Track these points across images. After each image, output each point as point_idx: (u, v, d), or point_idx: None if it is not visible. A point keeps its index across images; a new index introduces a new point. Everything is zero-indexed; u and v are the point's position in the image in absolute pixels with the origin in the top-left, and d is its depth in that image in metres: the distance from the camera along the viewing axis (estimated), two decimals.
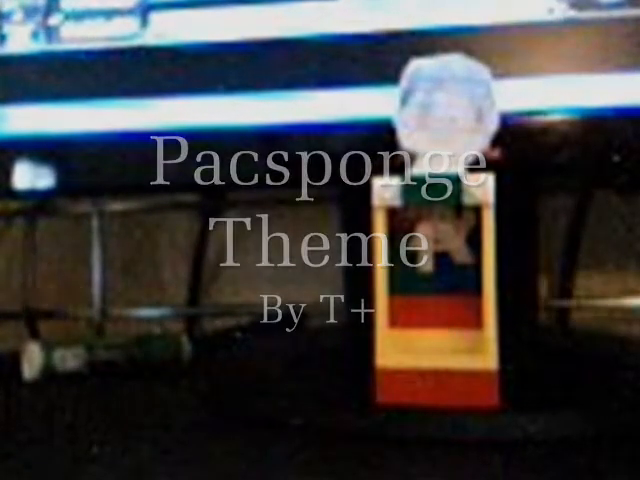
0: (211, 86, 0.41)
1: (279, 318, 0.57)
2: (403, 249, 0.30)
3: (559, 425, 0.29)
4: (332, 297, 0.59)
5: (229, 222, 0.62)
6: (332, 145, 0.40)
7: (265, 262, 0.61)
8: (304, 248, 0.60)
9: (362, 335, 0.32)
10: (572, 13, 0.37)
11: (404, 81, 0.30)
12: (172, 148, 0.42)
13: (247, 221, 0.61)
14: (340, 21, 0.39)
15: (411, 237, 0.30)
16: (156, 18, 0.41)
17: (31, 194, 0.46)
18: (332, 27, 0.39)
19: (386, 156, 0.32)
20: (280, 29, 0.40)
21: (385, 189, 0.29)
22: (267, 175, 0.42)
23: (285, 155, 0.41)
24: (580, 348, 0.41)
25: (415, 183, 0.29)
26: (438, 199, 0.29)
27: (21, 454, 0.29)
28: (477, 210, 0.29)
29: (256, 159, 0.41)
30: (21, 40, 0.43)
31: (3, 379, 0.42)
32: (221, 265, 0.62)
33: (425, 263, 0.30)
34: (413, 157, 0.30)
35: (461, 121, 0.30)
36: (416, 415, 0.29)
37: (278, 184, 0.46)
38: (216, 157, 0.41)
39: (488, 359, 0.29)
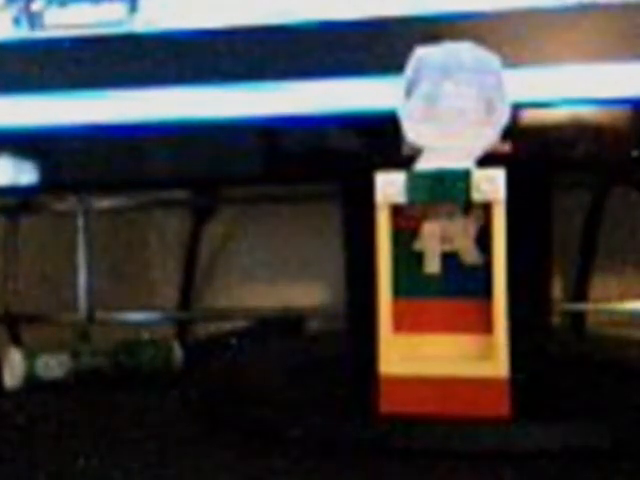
0: (203, 76, 0.41)
1: (276, 323, 0.57)
2: (408, 249, 0.30)
3: (574, 436, 0.29)
4: (333, 300, 0.59)
5: (223, 220, 0.62)
6: (333, 139, 0.40)
7: (261, 263, 0.61)
8: (303, 248, 0.60)
9: (364, 340, 0.32)
10: None
11: (409, 70, 0.30)
12: (162, 142, 0.42)
13: (242, 219, 0.61)
14: (341, 7, 0.39)
15: (416, 236, 0.30)
16: (145, 3, 0.41)
17: (13, 191, 0.46)
18: (333, 13, 0.39)
19: (390, 150, 0.32)
20: (277, 15, 0.40)
21: (389, 185, 0.29)
22: (263, 170, 0.42)
23: (282, 149, 0.41)
24: (596, 354, 0.41)
25: (421, 179, 0.29)
26: (445, 196, 0.29)
27: (2, 468, 0.29)
28: (487, 207, 0.29)
29: (252, 153, 0.41)
30: (2, 27, 0.43)
31: None
32: (214, 266, 0.62)
33: (431, 264, 0.30)
34: (419, 151, 0.30)
35: (470, 113, 0.30)
36: (422, 425, 0.29)
37: (275, 180, 0.46)
38: (209, 151, 0.42)
39: (498, 366, 0.29)
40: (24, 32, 0.42)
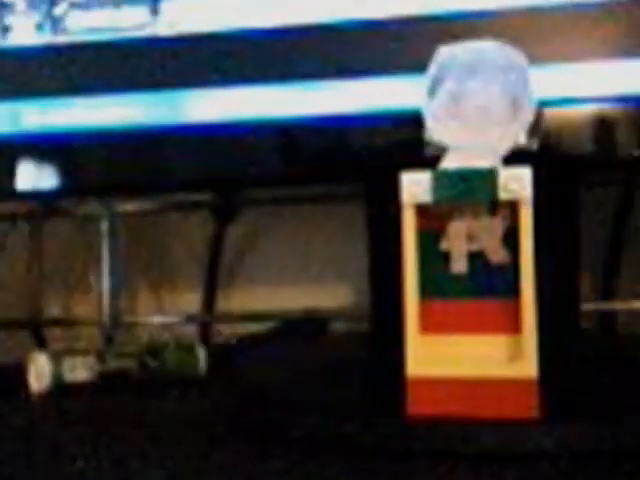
0: (227, 78, 0.41)
1: (301, 325, 0.57)
2: (434, 249, 0.30)
3: (605, 437, 0.29)
4: (357, 301, 0.59)
5: (246, 222, 0.62)
6: (357, 139, 0.40)
7: (285, 265, 0.61)
8: (326, 249, 0.60)
9: (391, 342, 0.31)
10: None
11: (433, 69, 0.30)
12: (186, 144, 0.42)
13: (265, 221, 0.62)
14: (366, 5, 0.39)
15: (443, 236, 0.30)
16: (167, 6, 0.42)
17: (36, 195, 0.47)
18: (357, 12, 0.39)
19: (415, 149, 0.32)
20: (300, 15, 0.40)
21: (414, 184, 0.29)
22: (286, 171, 0.42)
23: (307, 150, 0.41)
24: (626, 354, 0.41)
25: (447, 178, 0.29)
26: (471, 195, 0.29)
27: (30, 471, 0.29)
28: (514, 206, 0.29)
29: (274, 154, 0.41)
30: (25, 32, 0.43)
31: (9, 392, 0.42)
32: (238, 268, 0.63)
33: (458, 264, 0.30)
34: (444, 150, 0.30)
35: (495, 111, 0.30)
36: (450, 427, 0.29)
37: (297, 181, 0.46)
38: (233, 153, 0.42)
39: (527, 366, 0.29)
40: (47, 37, 0.43)
